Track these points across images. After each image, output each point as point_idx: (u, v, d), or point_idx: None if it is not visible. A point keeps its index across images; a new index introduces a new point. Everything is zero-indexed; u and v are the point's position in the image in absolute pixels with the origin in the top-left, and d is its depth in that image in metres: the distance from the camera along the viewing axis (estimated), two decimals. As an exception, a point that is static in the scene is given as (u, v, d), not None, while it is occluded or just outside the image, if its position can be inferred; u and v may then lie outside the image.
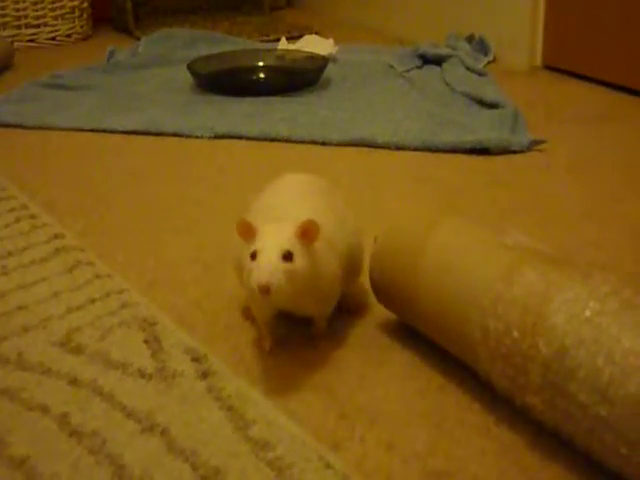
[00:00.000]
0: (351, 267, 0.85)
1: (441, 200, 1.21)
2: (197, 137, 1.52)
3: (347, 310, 0.89)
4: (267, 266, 0.71)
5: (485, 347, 0.70)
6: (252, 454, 0.67)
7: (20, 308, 0.91)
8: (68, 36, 2.39)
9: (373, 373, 0.79)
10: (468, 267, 0.75)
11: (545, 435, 0.69)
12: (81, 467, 0.67)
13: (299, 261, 0.73)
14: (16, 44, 2.23)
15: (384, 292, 0.85)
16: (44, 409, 0.74)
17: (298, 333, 0.86)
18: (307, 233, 0.74)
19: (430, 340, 0.81)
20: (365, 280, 0.88)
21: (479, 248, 0.76)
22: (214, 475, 0.65)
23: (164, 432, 0.70)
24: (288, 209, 0.80)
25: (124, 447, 0.69)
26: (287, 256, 0.72)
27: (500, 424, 0.71)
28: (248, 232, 0.75)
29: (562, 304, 0.66)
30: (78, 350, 0.83)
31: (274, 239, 0.73)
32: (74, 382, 0.78)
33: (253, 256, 0.72)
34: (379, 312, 0.88)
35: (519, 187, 1.25)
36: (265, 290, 0.70)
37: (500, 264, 0.72)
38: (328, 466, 0.66)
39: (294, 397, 0.76)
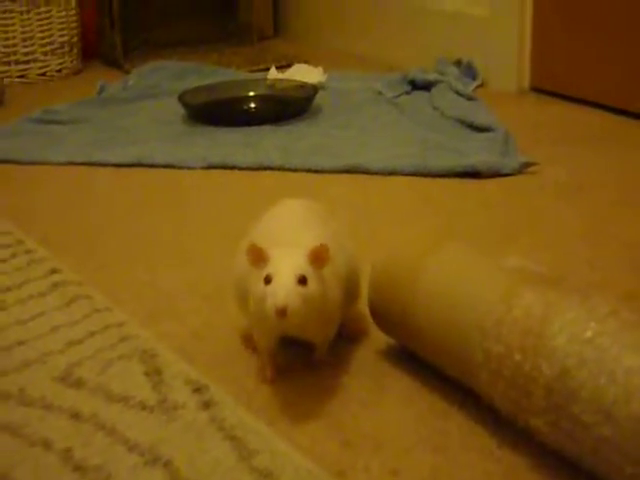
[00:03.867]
0: (350, 291, 0.85)
1: (436, 225, 1.22)
2: (190, 168, 1.52)
3: (347, 336, 0.89)
4: (283, 289, 0.71)
5: (487, 370, 0.71)
6: (257, 484, 0.67)
7: (20, 343, 0.91)
8: (59, 71, 2.39)
9: (375, 399, 0.80)
10: (467, 291, 0.75)
11: (549, 456, 0.69)
12: (86, 502, 0.67)
13: (313, 285, 0.74)
14: (6, 80, 2.23)
15: (383, 318, 0.85)
16: (47, 444, 0.73)
17: (299, 361, 0.86)
18: (319, 258, 0.75)
19: (431, 365, 0.81)
20: (363, 306, 0.88)
21: (477, 272, 0.77)
22: (220, 506, 0.65)
23: (167, 464, 0.70)
24: (291, 234, 0.81)
25: (128, 481, 0.69)
26: (302, 280, 0.73)
27: (503, 447, 0.72)
28: (259, 257, 0.75)
29: (562, 325, 0.66)
30: (79, 384, 0.83)
31: (288, 263, 0.73)
32: (76, 416, 0.77)
33: (267, 280, 0.73)
34: (378, 338, 0.88)
35: (512, 209, 1.26)
36: (282, 313, 0.71)
37: (499, 287, 0.73)
38: (334, 494, 0.66)
39: (297, 426, 0.76)
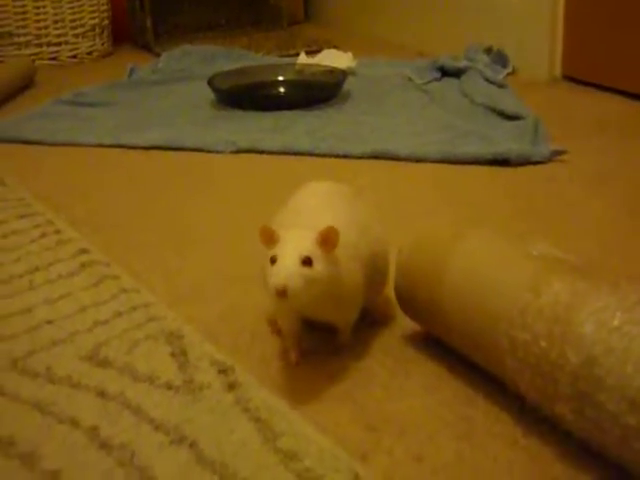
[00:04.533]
0: (376, 276, 0.85)
1: (463, 211, 1.21)
2: (219, 152, 1.53)
3: (372, 321, 0.89)
4: (284, 269, 0.72)
5: (513, 357, 0.70)
6: (281, 465, 0.68)
7: (48, 322, 0.92)
8: (89, 53, 2.41)
9: (399, 384, 0.79)
10: (494, 278, 0.75)
11: (575, 445, 0.68)
12: (111, 479, 0.67)
13: (318, 267, 0.74)
14: (37, 62, 2.25)
15: (409, 303, 0.85)
16: (74, 422, 0.74)
17: (324, 345, 0.86)
18: (327, 240, 0.75)
19: (456, 351, 0.81)
20: (390, 291, 0.88)
21: (505, 259, 0.76)
22: (244, 487, 0.65)
23: (193, 444, 0.70)
24: (311, 216, 0.81)
25: (153, 459, 0.69)
26: (306, 261, 0.73)
27: (529, 435, 0.71)
28: (270, 238, 0.76)
29: (590, 313, 0.66)
30: (106, 363, 0.83)
31: (294, 245, 0.74)
32: (102, 395, 0.78)
33: (273, 261, 0.73)
34: (404, 323, 0.88)
35: (541, 198, 1.25)
36: (282, 292, 0.71)
37: (527, 274, 0.72)
38: (357, 477, 0.66)
39: (321, 408, 0.76)
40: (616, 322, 0.64)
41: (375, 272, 0.85)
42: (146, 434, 0.72)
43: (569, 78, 1.94)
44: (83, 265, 1.05)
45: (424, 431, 0.73)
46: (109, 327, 0.90)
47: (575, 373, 0.65)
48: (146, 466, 0.68)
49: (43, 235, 1.15)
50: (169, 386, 0.79)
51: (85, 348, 0.86)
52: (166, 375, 0.81)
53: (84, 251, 1.09)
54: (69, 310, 0.94)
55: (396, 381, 0.80)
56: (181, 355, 0.84)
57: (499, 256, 0.77)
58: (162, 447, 0.70)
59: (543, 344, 0.68)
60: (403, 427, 0.73)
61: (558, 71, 1.96)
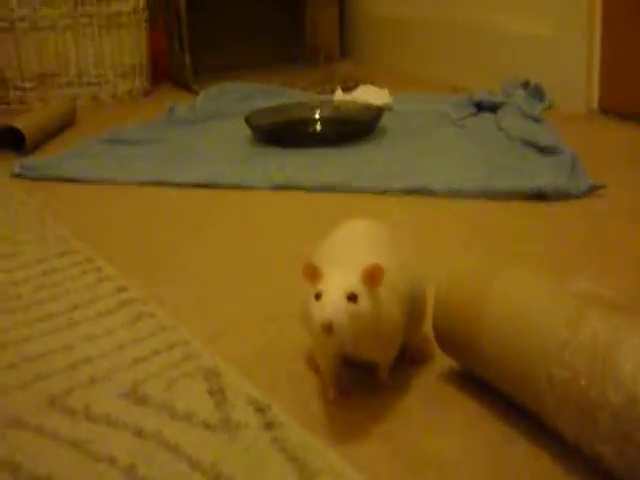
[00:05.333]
0: (414, 314, 0.85)
1: (501, 247, 1.21)
2: (256, 189, 1.54)
3: (411, 359, 0.89)
4: (331, 304, 0.72)
5: (552, 395, 0.70)
6: (318, 505, 0.67)
7: (86, 360, 0.92)
8: (129, 92, 2.44)
9: (438, 423, 0.79)
10: (532, 314, 0.74)
11: (616, 485, 0.67)
12: (148, 519, 0.67)
13: (363, 303, 0.74)
14: (78, 102, 2.28)
15: (448, 340, 0.84)
16: (111, 460, 0.74)
17: (361, 383, 0.86)
18: (372, 277, 0.75)
19: (495, 389, 0.80)
20: (428, 329, 0.88)
21: (543, 295, 0.76)
22: (281, 527, 0.65)
23: (230, 484, 0.70)
24: (351, 254, 0.81)
25: (190, 498, 0.69)
26: (352, 297, 0.73)
27: (569, 475, 0.70)
28: (313, 274, 0.76)
29: (630, 351, 0.65)
30: (144, 401, 0.84)
31: (339, 281, 0.74)
32: (140, 433, 0.78)
33: (317, 296, 0.73)
34: (442, 361, 0.88)
35: (580, 233, 1.24)
36: (328, 328, 0.71)
37: (565, 311, 0.72)
38: (395, 518, 0.65)
39: (359, 447, 0.75)
40: (657, 360, 0.64)
41: (414, 309, 0.85)
42: (183, 473, 0.72)
43: (606, 111, 1.93)
44: (122, 303, 1.06)
45: (464, 471, 0.72)
46: (147, 365, 0.91)
47: (615, 412, 0.64)
48: (183, 505, 0.68)
49: (83, 273, 1.16)
50: (206, 425, 0.79)
51: (124, 386, 0.87)
52: (203, 413, 0.81)
53: (122, 289, 1.10)
54: (108, 348, 0.95)
55: (435, 419, 0.79)
56: (218, 393, 0.84)
57: (537, 293, 0.76)
58: (199, 486, 0.70)
59: (583, 382, 0.67)
60: (443, 466, 0.72)
61: (595, 104, 1.95)
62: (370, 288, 0.75)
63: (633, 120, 1.84)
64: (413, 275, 0.86)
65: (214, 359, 0.91)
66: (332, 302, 0.72)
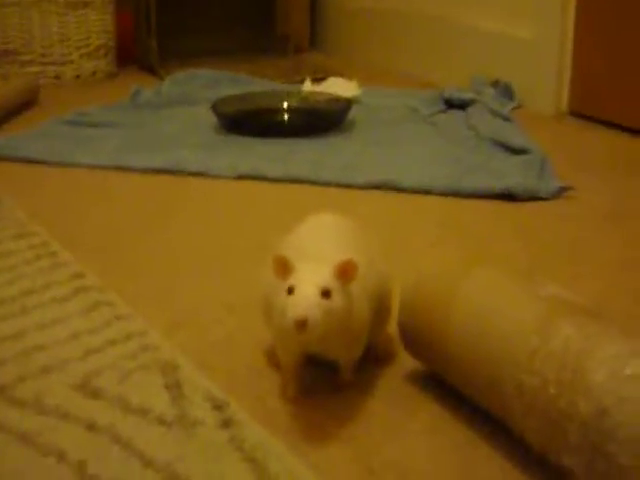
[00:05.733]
0: (380, 312, 0.83)
1: (468, 246, 1.19)
2: (220, 177, 1.51)
3: (374, 359, 0.86)
4: (305, 300, 0.69)
5: (519, 403, 0.68)
6: (276, 510, 0.65)
7: (38, 348, 0.89)
8: (93, 74, 2.39)
9: (401, 425, 0.77)
10: (502, 319, 0.72)
11: (582, 497, 0.65)
12: (97, 519, 0.64)
13: (337, 300, 0.71)
14: (41, 81, 2.23)
15: (413, 341, 0.82)
16: (60, 455, 0.71)
17: (323, 382, 0.83)
18: (345, 273, 0.72)
19: (460, 392, 0.78)
20: (392, 328, 0.86)
21: (513, 299, 0.74)
22: (236, 531, 0.62)
23: (184, 484, 0.68)
24: (319, 249, 0.78)
25: (142, 498, 0.66)
26: (325, 293, 0.70)
27: (534, 483, 0.68)
28: (284, 269, 0.73)
29: (602, 361, 0.63)
30: (96, 394, 0.80)
31: (312, 276, 0.71)
32: (92, 428, 0.75)
33: (290, 291, 0.70)
34: (407, 362, 0.86)
35: (549, 235, 1.23)
36: (302, 325, 0.68)
37: (535, 317, 0.70)
38: (355, 525, 0.63)
39: (319, 450, 0.73)
40: (628, 371, 0.62)
41: (380, 307, 0.82)
42: (136, 470, 0.69)
43: (576, 114, 1.92)
44: (77, 290, 1.02)
45: (427, 476, 0.70)
46: (102, 356, 0.87)
47: (585, 423, 0.62)
48: (134, 505, 0.65)
49: (38, 257, 1.12)
50: (161, 420, 0.76)
51: (76, 377, 0.83)
52: (159, 408, 0.78)
53: (79, 275, 1.06)
54: (61, 336, 0.91)
55: (398, 422, 0.77)
56: (175, 387, 0.81)
57: (507, 297, 0.74)
58: (152, 485, 0.67)
59: (552, 391, 0.65)
60: (405, 472, 0.70)
61: (565, 106, 1.95)
62: (342, 284, 0.72)
63: (602, 124, 1.84)
64: (380, 272, 0.83)
65: (172, 351, 0.88)
66: (306, 298, 0.69)
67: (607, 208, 1.33)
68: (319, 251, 0.77)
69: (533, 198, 1.36)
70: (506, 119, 1.82)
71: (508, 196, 1.37)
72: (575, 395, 0.63)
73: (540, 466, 0.68)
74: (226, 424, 0.75)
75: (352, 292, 0.74)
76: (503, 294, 0.75)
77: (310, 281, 0.70)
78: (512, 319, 0.71)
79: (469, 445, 0.74)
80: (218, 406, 0.78)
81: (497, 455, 0.72)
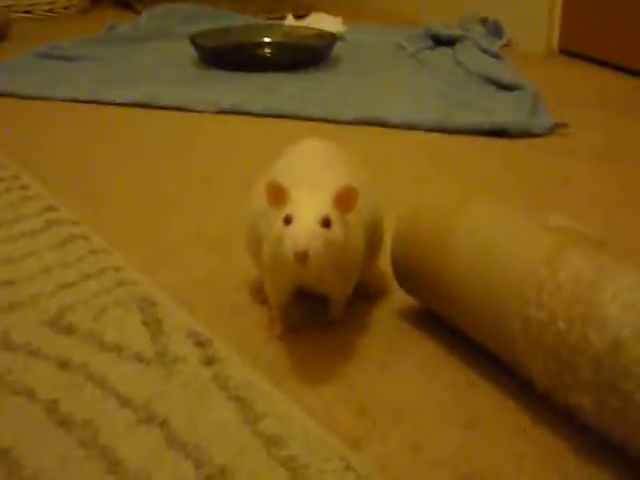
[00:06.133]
0: (371, 244, 0.77)
1: (461, 183, 1.14)
2: (200, 112, 1.44)
3: (365, 295, 0.81)
4: (305, 231, 0.63)
5: (525, 339, 0.63)
6: (263, 451, 0.60)
7: (7, 283, 0.83)
8: (66, 8, 2.31)
9: (395, 364, 0.72)
10: (505, 250, 0.67)
11: (592, 438, 0.61)
12: (70, 461, 0.59)
13: (337, 229, 0.66)
14: (12, 14, 2.14)
15: (407, 275, 0.77)
16: (30, 395, 0.66)
17: (312, 318, 0.78)
18: (345, 200, 0.67)
19: (458, 329, 0.74)
20: (385, 262, 0.81)
21: (518, 229, 0.69)
22: (220, 474, 0.58)
23: (164, 424, 0.63)
24: (315, 175, 0.72)
25: (119, 440, 0.61)
26: (326, 222, 0.65)
27: (539, 425, 0.64)
28: (279, 196, 0.67)
29: (616, 292, 0.59)
30: (69, 330, 0.75)
31: (311, 204, 0.65)
32: (64, 365, 0.70)
33: (287, 221, 0.65)
34: (400, 297, 0.81)
35: (543, 171, 1.18)
36: (303, 257, 0.63)
37: (542, 248, 0.65)
38: (349, 467, 0.58)
39: (308, 388, 0.68)
40: (646, 302, 0.57)
41: (372, 239, 0.77)
42: (112, 411, 0.64)
43: (566, 52, 1.87)
44: (49, 223, 0.97)
45: (422, 417, 0.65)
46: (75, 291, 0.82)
47: (598, 359, 0.58)
48: (110, 447, 0.60)
49: (7, 190, 1.06)
50: (139, 358, 0.71)
51: (47, 313, 0.78)
52: (136, 345, 0.73)
53: (51, 208, 1.01)
54: (32, 270, 0.86)
55: (391, 361, 0.72)
56: (154, 324, 0.76)
57: (511, 226, 0.69)
58: (129, 426, 0.63)
59: (561, 325, 0.60)
60: (399, 412, 0.66)
61: (555, 44, 1.89)
62: (342, 213, 0.67)
63: (593, 62, 1.78)
64: (372, 202, 0.78)
65: (150, 287, 0.83)
66: (306, 227, 0.64)
67: (600, 145, 1.28)
68: (314, 178, 0.72)
69: (525, 134, 1.31)
70: (496, 56, 1.76)
71: (499, 132, 1.32)
72: (587, 329, 0.58)
73: (544, 405, 0.64)
74: (209, 361, 0.70)
75: (350, 222, 0.69)
76: (506, 225, 0.70)
77: (309, 210, 0.65)
78: (516, 251, 0.66)
79: (467, 384, 0.69)
80: (200, 343, 0.73)
81: (498, 394, 0.68)
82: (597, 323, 0.58)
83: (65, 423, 0.63)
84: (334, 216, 0.66)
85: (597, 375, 0.58)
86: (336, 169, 0.75)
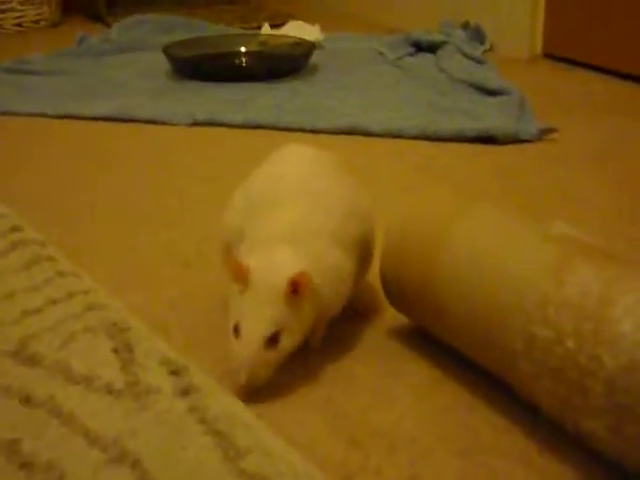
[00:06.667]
0: (361, 259, 0.72)
1: (448, 191, 1.08)
2: (174, 125, 1.39)
3: (353, 313, 0.76)
4: (248, 362, 0.63)
5: (529, 360, 0.58)
6: (246, 493, 0.54)
7: (-33, 311, 0.77)
8: (35, 22, 2.25)
9: (386, 389, 0.66)
10: (504, 261, 0.62)
11: (604, 467, 0.56)
12: (32, 509, 0.53)
13: (285, 341, 0.64)
14: (-21, 30, 2.09)
15: (398, 292, 0.72)
16: (-11, 433, 0.60)
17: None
18: (297, 289, 0.63)
19: (453, 349, 0.68)
20: (374, 275, 0.75)
21: (516, 240, 0.63)
22: (199, 520, 0.52)
23: (136, 464, 0.57)
24: (295, 187, 0.69)
25: (86, 483, 0.55)
26: (272, 338, 0.63)
27: (545, 453, 0.59)
28: (240, 275, 0.64)
29: (628, 307, 0.54)
30: (34, 361, 0.69)
31: (260, 314, 0.63)
32: (27, 400, 0.64)
33: (236, 330, 0.64)
34: (391, 315, 0.75)
35: (534, 178, 1.13)
36: (248, 387, 0.64)
37: (545, 258, 0.60)
38: (341, 508, 0.53)
39: (294, 419, 0.63)
40: (661, 318, 0.52)
41: (362, 254, 0.72)
42: (79, 450, 0.59)
43: (550, 56, 1.83)
44: (14, 244, 0.91)
45: (418, 446, 0.60)
46: (40, 317, 0.76)
47: (611, 381, 0.52)
48: (76, 492, 0.55)
49: (-30, 210, 1.00)
50: (109, 390, 0.65)
51: (9, 342, 0.72)
52: (106, 376, 0.67)
53: (16, 229, 0.95)
54: (-7, 296, 0.80)
55: (383, 385, 0.67)
56: (125, 351, 0.70)
57: (509, 236, 0.64)
58: (97, 467, 0.57)
59: (569, 344, 0.55)
60: (393, 442, 0.60)
61: (539, 48, 1.85)
62: (298, 302, 0.64)
63: (577, 65, 1.74)
64: (364, 212, 0.73)
65: (121, 311, 0.77)
66: (248, 359, 0.63)
67: (591, 149, 1.24)
68: (296, 189, 0.69)
69: (513, 140, 1.26)
70: (479, 61, 1.72)
71: (486, 139, 1.27)
72: (598, 348, 0.53)
73: (551, 431, 0.59)
74: (185, 392, 0.64)
75: (321, 250, 0.66)
76: (504, 234, 0.65)
77: (254, 325, 0.63)
78: (517, 263, 0.61)
79: (465, 408, 0.64)
80: (175, 371, 0.67)
81: (499, 419, 0.62)
82: (610, 342, 0.53)
83: (26, 465, 0.57)
84: (283, 319, 0.63)
85: (611, 399, 0.52)
86: (320, 182, 0.70)
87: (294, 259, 0.65)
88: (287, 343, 0.64)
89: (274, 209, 0.68)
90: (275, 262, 0.64)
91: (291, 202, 0.69)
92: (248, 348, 0.63)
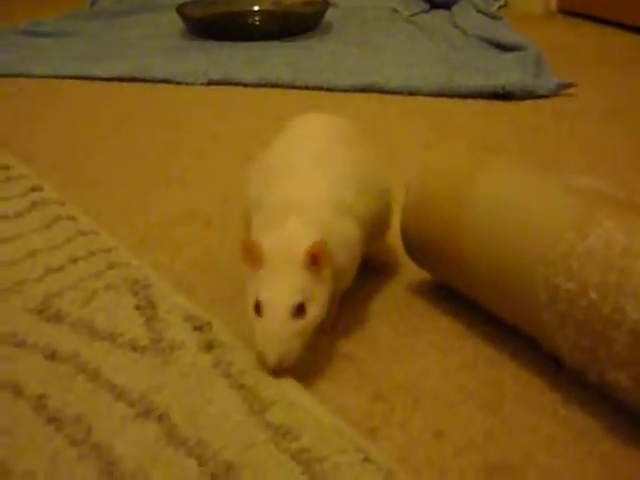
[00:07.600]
0: (377, 228, 0.72)
1: (469, 147, 1.08)
2: (189, 84, 1.38)
3: (374, 270, 0.76)
4: (276, 337, 0.59)
5: (553, 312, 0.58)
6: (272, 444, 0.55)
7: (-10, 269, 0.78)
8: (47, -17, 2.23)
9: (409, 344, 0.67)
10: (527, 214, 0.62)
11: (628, 417, 0.56)
12: (61, 462, 0.54)
13: (312, 310, 0.61)
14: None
15: (419, 248, 0.72)
16: (17, 390, 0.61)
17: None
18: (317, 260, 0.61)
19: (476, 303, 0.68)
20: (394, 234, 0.75)
21: (540, 191, 0.63)
22: (225, 472, 0.52)
23: (162, 418, 0.57)
24: (301, 178, 0.67)
25: (113, 437, 0.56)
26: (299, 309, 0.60)
27: (569, 404, 0.59)
28: (253, 257, 0.62)
29: (653, 259, 0.53)
30: (58, 318, 0.70)
31: (281, 286, 0.60)
32: (53, 356, 0.64)
33: (257, 309, 0.60)
34: (411, 271, 0.76)
35: (552, 133, 1.12)
36: (277, 370, 0.60)
37: (569, 211, 0.59)
38: (367, 459, 0.53)
39: (318, 373, 0.63)
40: (686, 269, 0.52)
41: (377, 224, 0.72)
42: (105, 405, 0.59)
43: (565, 11, 1.81)
44: (34, 204, 0.91)
45: (443, 400, 0.60)
46: (63, 275, 0.77)
47: (636, 332, 0.52)
48: (104, 445, 0.55)
49: (-11, 171, 1.00)
50: (134, 346, 0.66)
51: (34, 300, 0.73)
52: (130, 332, 0.67)
53: (36, 189, 0.95)
54: (16, 255, 0.80)
55: (405, 340, 0.67)
56: (148, 308, 0.71)
57: (532, 188, 0.64)
58: (124, 421, 0.57)
59: (593, 296, 0.55)
60: (417, 396, 0.61)
61: (553, 4, 1.83)
62: (318, 272, 0.61)
63: (592, 20, 1.73)
64: (381, 186, 0.72)
65: (143, 269, 0.77)
66: (276, 333, 0.59)
67: (606, 104, 1.23)
68: (301, 182, 0.66)
69: (530, 96, 1.26)
70: (494, 17, 1.70)
71: (502, 95, 1.26)
72: (622, 300, 0.53)
73: (575, 382, 0.59)
74: (209, 346, 0.65)
75: (334, 225, 0.64)
76: (527, 186, 0.64)
77: (278, 300, 0.60)
78: (541, 215, 0.61)
79: (489, 363, 0.64)
80: (199, 327, 0.67)
81: (523, 373, 0.63)
82: (634, 293, 0.53)
83: (54, 420, 0.58)
84: (307, 288, 0.61)
85: (635, 349, 0.52)
86: (329, 166, 0.68)
87: (306, 230, 0.62)
88: (314, 312, 0.61)
89: (287, 180, 0.67)
90: (288, 237, 0.62)
91: (306, 174, 0.67)
92: (275, 321, 0.60)
